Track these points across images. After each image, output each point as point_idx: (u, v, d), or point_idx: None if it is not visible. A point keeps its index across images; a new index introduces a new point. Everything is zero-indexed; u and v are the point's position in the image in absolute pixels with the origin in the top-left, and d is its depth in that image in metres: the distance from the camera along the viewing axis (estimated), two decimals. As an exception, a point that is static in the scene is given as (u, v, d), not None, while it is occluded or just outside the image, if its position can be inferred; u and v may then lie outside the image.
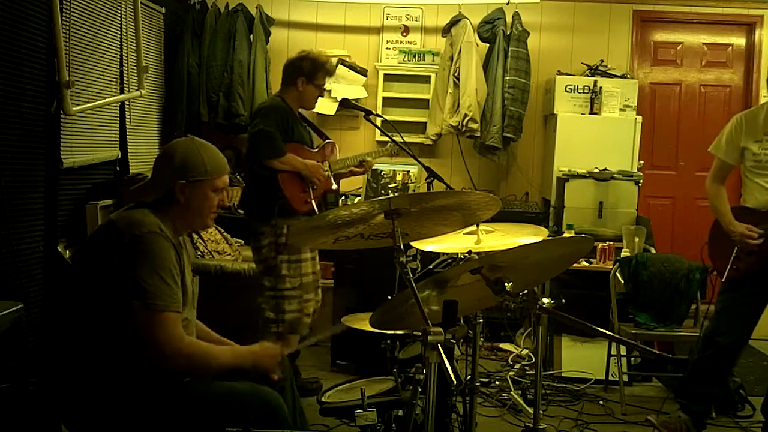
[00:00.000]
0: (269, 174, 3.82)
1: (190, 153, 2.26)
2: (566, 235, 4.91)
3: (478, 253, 2.77)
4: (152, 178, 2.29)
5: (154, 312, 2.06)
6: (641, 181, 5.22)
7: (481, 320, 2.75)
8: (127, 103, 4.87)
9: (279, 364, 2.36)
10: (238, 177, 5.62)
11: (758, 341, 5.23)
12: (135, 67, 4.81)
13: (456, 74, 5.68)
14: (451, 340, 1.84)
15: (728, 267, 3.50)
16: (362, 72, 5.95)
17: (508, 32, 5.74)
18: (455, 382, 1.82)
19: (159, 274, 2.09)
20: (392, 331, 2.79)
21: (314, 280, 4.06)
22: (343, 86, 5.82)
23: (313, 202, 3.93)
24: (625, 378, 4.36)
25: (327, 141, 4.19)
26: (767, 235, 3.44)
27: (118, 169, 4.74)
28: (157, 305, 2.07)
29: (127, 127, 4.88)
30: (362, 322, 2.89)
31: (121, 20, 4.73)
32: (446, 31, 5.83)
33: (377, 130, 5.81)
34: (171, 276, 2.11)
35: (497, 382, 4.43)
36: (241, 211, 4.16)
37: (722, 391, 3.75)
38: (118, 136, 4.77)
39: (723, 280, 3.54)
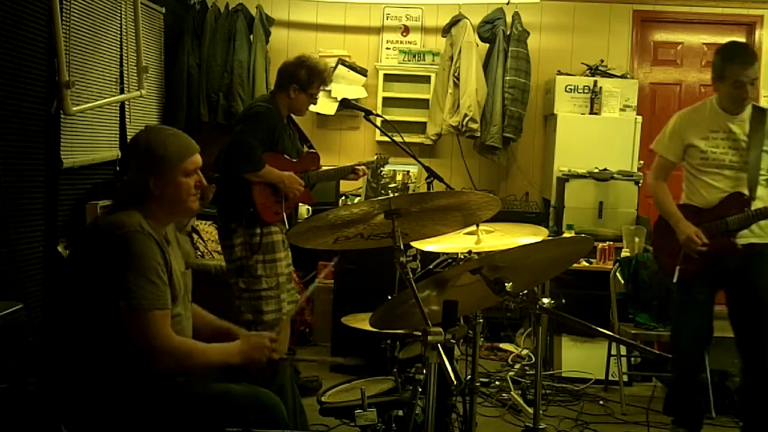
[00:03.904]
0: (243, 180, 3.73)
1: (152, 145, 2.23)
2: (566, 235, 4.91)
3: (478, 253, 2.78)
4: (127, 178, 2.28)
5: (141, 311, 2.06)
6: (641, 181, 5.22)
7: (481, 320, 2.75)
8: (127, 103, 4.87)
9: (273, 359, 2.35)
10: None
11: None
12: (135, 67, 4.81)
13: (456, 74, 5.69)
14: (451, 340, 1.84)
15: (677, 268, 3.44)
16: (362, 72, 5.95)
17: (508, 32, 5.74)
18: (455, 382, 1.82)
19: (144, 273, 2.08)
20: (392, 331, 2.79)
21: (288, 278, 4.01)
22: (343, 86, 5.82)
23: (284, 213, 3.86)
24: (625, 378, 4.36)
25: (310, 151, 4.11)
26: (714, 233, 3.39)
27: (118, 169, 4.74)
28: (143, 304, 2.06)
29: (127, 127, 4.88)
30: (362, 322, 2.89)
31: (121, 20, 4.73)
32: (446, 31, 5.83)
33: (377, 130, 5.81)
34: (156, 274, 2.11)
35: (497, 382, 4.43)
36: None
37: (704, 395, 3.72)
38: (118, 136, 4.77)
39: (673, 281, 3.47)
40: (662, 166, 3.61)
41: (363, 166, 4.21)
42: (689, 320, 3.55)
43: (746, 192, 3.37)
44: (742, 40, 6.09)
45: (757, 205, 3.36)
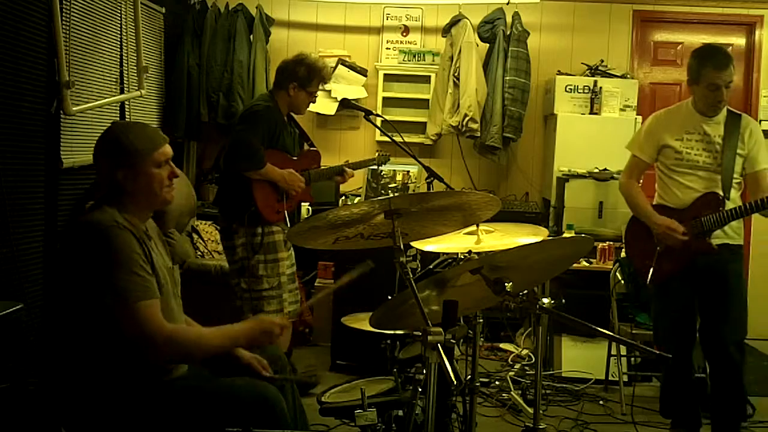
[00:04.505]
0: (244, 179, 3.73)
1: (118, 139, 2.25)
2: (566, 235, 4.91)
3: (478, 253, 2.78)
4: (96, 177, 2.29)
5: (129, 304, 2.06)
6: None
7: (481, 320, 2.75)
8: (127, 103, 4.87)
9: (277, 359, 2.36)
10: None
11: (758, 341, 5.23)
12: (135, 67, 4.81)
13: (456, 74, 5.69)
14: (451, 340, 1.84)
15: (651, 268, 3.46)
16: (362, 72, 5.95)
17: (508, 32, 5.74)
18: (455, 382, 1.82)
19: (126, 266, 2.08)
20: (392, 331, 2.79)
21: (291, 277, 4.02)
22: (343, 86, 5.82)
23: (286, 212, 3.86)
24: (625, 378, 4.36)
25: (310, 149, 4.12)
26: (689, 234, 3.41)
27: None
28: (131, 297, 2.07)
29: (127, 127, 4.88)
30: (362, 322, 2.89)
31: (121, 20, 4.73)
32: (446, 31, 5.83)
33: (377, 130, 5.81)
34: (139, 266, 2.11)
35: (497, 382, 4.43)
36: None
37: (697, 394, 3.73)
38: (118, 136, 4.76)
39: (647, 283, 3.50)
40: (635, 165, 3.64)
41: (351, 168, 4.19)
42: (669, 321, 3.57)
43: (721, 192, 3.39)
44: (742, 40, 6.11)
45: (729, 206, 3.38)
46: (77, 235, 2.17)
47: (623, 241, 3.75)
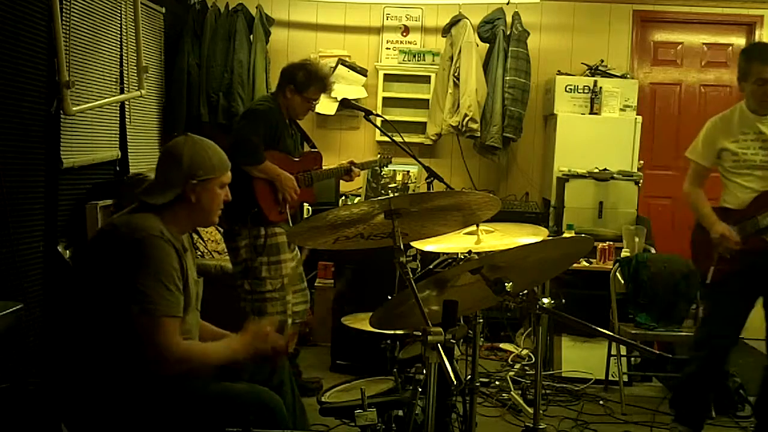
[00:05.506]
0: (247, 178, 3.73)
1: (197, 152, 2.27)
2: (566, 235, 4.91)
3: (478, 253, 2.78)
4: (159, 180, 2.28)
5: (154, 317, 2.07)
6: (641, 181, 5.22)
7: (481, 320, 2.75)
8: (127, 103, 4.87)
9: (277, 352, 2.37)
10: None
11: (758, 341, 5.22)
12: (135, 67, 4.81)
13: (456, 74, 5.69)
14: (451, 340, 1.84)
15: (711, 269, 3.46)
16: (362, 72, 5.95)
17: (508, 32, 5.74)
18: (455, 382, 1.82)
19: (160, 279, 2.09)
20: (392, 331, 2.80)
21: (298, 278, 3.99)
22: (343, 86, 5.82)
23: (288, 213, 3.87)
24: (625, 378, 4.36)
25: (312, 150, 4.12)
26: (746, 233, 3.41)
27: (118, 169, 4.74)
28: (157, 310, 2.07)
29: (127, 127, 4.88)
30: (362, 322, 2.89)
31: (121, 20, 4.73)
32: (446, 31, 5.83)
33: (377, 130, 5.81)
34: (172, 281, 2.12)
35: (497, 382, 4.42)
36: None
37: (715, 395, 3.70)
38: (118, 136, 4.77)
39: (707, 282, 3.49)
40: (696, 172, 3.63)
41: (358, 168, 4.19)
42: (718, 319, 3.52)
43: None
44: (742, 40, 6.10)
45: None
46: (119, 236, 2.15)
47: (689, 244, 3.72)
